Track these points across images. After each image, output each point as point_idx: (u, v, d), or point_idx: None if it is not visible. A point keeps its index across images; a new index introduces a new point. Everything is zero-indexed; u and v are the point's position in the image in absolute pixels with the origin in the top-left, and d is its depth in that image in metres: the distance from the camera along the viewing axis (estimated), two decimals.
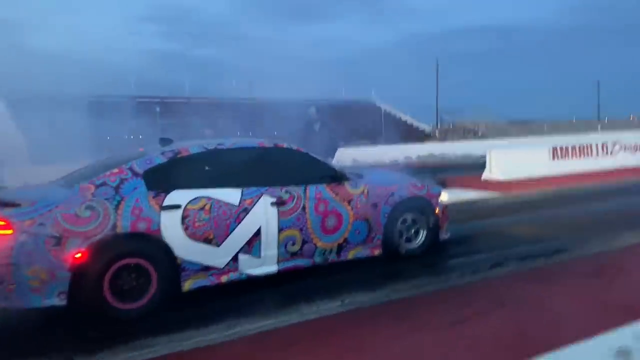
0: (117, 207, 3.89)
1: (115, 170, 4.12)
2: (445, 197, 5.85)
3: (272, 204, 4.55)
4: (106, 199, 3.89)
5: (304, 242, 4.77)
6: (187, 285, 4.20)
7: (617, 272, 4.59)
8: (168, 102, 34.20)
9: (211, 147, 4.63)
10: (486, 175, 11.86)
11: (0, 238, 3.58)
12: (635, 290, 4.13)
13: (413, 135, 39.73)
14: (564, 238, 6.00)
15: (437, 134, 44.04)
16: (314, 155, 5.14)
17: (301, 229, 4.73)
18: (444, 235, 5.73)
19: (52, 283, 3.66)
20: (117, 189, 3.99)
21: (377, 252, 5.24)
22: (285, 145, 5.02)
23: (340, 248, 5.02)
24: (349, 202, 5.01)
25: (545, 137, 26.95)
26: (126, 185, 4.04)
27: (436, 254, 5.59)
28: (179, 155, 4.40)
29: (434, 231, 5.57)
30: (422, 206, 5.52)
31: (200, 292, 4.28)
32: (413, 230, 5.49)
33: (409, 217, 5.44)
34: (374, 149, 22.75)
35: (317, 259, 4.90)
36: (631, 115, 52.01)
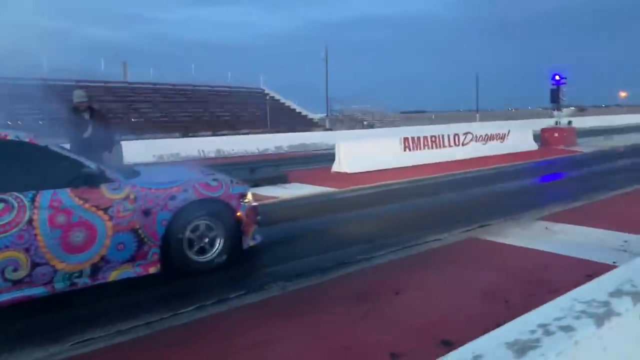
0: None
1: None
2: (251, 197, 4.97)
3: None
4: None
5: (34, 265, 3.59)
6: None
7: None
8: None
9: None
10: (335, 167, 11.32)
11: None
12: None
13: (301, 123, 39.29)
14: (389, 237, 5.43)
15: (326, 123, 44.09)
16: (58, 151, 3.94)
17: (27, 250, 3.55)
18: (251, 241, 4.87)
19: None
20: None
21: (152, 269, 4.21)
22: (10, 136, 3.77)
23: (95, 269, 3.91)
24: (106, 209, 3.91)
25: (422, 126, 27.71)
26: None
27: (243, 264, 4.72)
28: None
29: (234, 238, 4.68)
30: (217, 210, 4.59)
31: None
32: (207, 240, 4.54)
33: (200, 223, 4.49)
34: (237, 138, 21.67)
35: (60, 286, 3.76)
36: (512, 108, 56.18)
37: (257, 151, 19.23)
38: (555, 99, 17.79)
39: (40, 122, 26.68)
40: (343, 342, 2.98)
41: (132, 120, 32.10)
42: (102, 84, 34.76)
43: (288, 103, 43.81)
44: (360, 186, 9.46)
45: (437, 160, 12.65)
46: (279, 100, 43.38)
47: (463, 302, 3.55)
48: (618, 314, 1.57)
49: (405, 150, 12.56)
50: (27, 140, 3.81)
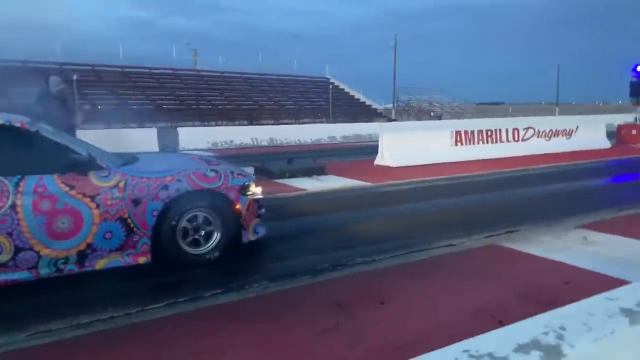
0: None
1: None
2: (255, 189, 4.79)
3: None
4: None
5: (17, 250, 3.64)
6: None
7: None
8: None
9: None
10: (378, 160, 10.87)
11: None
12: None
13: (364, 113, 38.80)
14: (399, 239, 5.06)
15: (392, 114, 43.24)
16: (48, 135, 3.96)
17: (10, 234, 3.59)
18: (252, 235, 4.71)
19: None
20: None
21: (142, 259, 4.16)
22: (1, 120, 3.82)
23: (82, 256, 3.91)
24: (93, 197, 3.88)
25: (483, 119, 26.27)
26: None
27: (242, 258, 4.58)
28: None
29: (232, 232, 4.54)
30: (215, 201, 4.45)
31: None
32: (203, 232, 4.43)
33: (195, 215, 4.38)
34: (293, 127, 21.63)
35: (44, 271, 3.79)
36: (599, 102, 52.14)
37: (310, 141, 19.12)
38: (636, 93, 16.13)
39: (112, 108, 28.27)
40: (297, 357, 2.72)
41: (200, 107, 33.18)
42: (172, 71, 36.16)
43: (353, 93, 43.40)
44: (397, 181, 9.02)
45: (492, 157, 11.85)
46: (343, 89, 43.09)
47: (449, 319, 3.16)
48: None
49: (456, 144, 11.87)
50: (17, 125, 3.85)
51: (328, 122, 31.03)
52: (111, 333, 3.08)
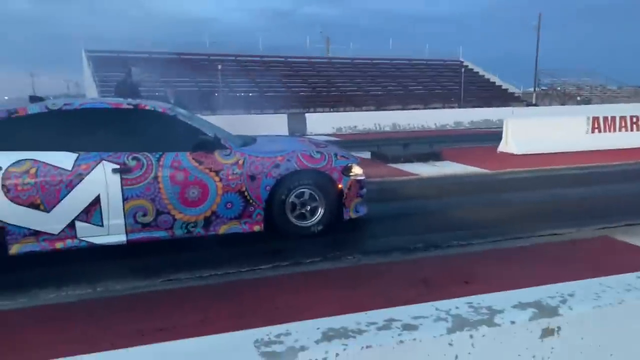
0: None
1: None
2: (358, 170, 5.13)
3: (114, 170, 4.25)
4: None
5: (158, 213, 4.43)
6: (15, 249, 4.10)
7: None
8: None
9: (55, 107, 4.39)
10: (502, 147, 10.40)
11: None
12: None
13: (500, 98, 36.72)
14: (501, 226, 5.03)
15: (533, 98, 40.29)
16: (184, 119, 4.70)
17: (153, 199, 4.39)
18: (353, 214, 5.07)
19: None
20: None
21: (257, 227, 4.76)
22: (148, 106, 4.64)
23: (208, 222, 4.62)
24: (217, 172, 4.55)
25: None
26: None
27: (342, 233, 4.98)
28: (13, 116, 4.23)
29: (334, 209, 4.94)
30: (319, 180, 4.89)
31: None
32: (309, 207, 4.90)
33: (302, 191, 4.86)
34: (418, 112, 21.30)
35: (178, 232, 4.56)
36: None
37: (434, 126, 18.83)
38: None
39: (250, 94, 30.56)
40: None
41: (330, 94, 34.30)
42: (306, 60, 37.75)
43: (488, 76, 41.20)
44: (518, 169, 8.66)
45: (635, 146, 10.68)
46: (477, 72, 41.12)
47: None
48: None
49: (593, 131, 10.90)
50: (160, 110, 4.65)
51: (458, 107, 30.03)
52: (224, 285, 3.69)
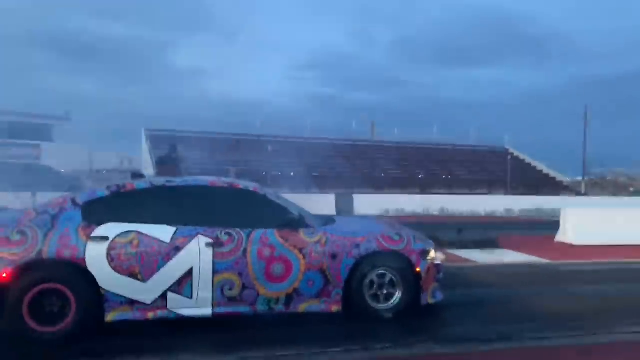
0: (46, 234, 4.18)
1: (60, 200, 4.46)
2: (435, 254, 5.17)
3: (208, 244, 4.48)
4: (39, 226, 4.21)
5: (244, 287, 4.58)
6: (110, 316, 4.30)
7: None
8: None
9: (159, 183, 4.76)
10: (560, 237, 10.19)
11: None
12: None
13: (548, 186, 36.19)
14: (573, 320, 4.87)
15: (582, 187, 39.53)
16: (273, 199, 4.96)
17: (240, 274, 4.56)
18: (430, 299, 5.05)
19: None
20: (54, 217, 4.30)
21: (335, 308, 4.81)
22: (241, 185, 4.95)
23: (289, 299, 4.71)
24: (301, 250, 4.71)
25: None
26: (64, 214, 4.33)
27: (414, 319, 4.93)
28: (122, 190, 4.61)
29: (412, 292, 4.95)
30: (398, 263, 4.95)
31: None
32: (385, 290, 4.93)
33: (381, 273, 4.92)
34: (466, 198, 21.23)
35: (260, 307, 4.66)
36: None
37: (483, 213, 18.69)
38: None
39: (292, 174, 31.43)
40: None
41: (375, 176, 34.79)
42: (351, 142, 38.82)
43: (534, 164, 40.96)
44: (578, 261, 8.44)
45: None
46: (523, 160, 40.97)
47: None
48: None
49: None
50: (251, 189, 4.94)
51: (505, 193, 29.73)
52: None
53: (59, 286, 4.16)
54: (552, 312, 5.29)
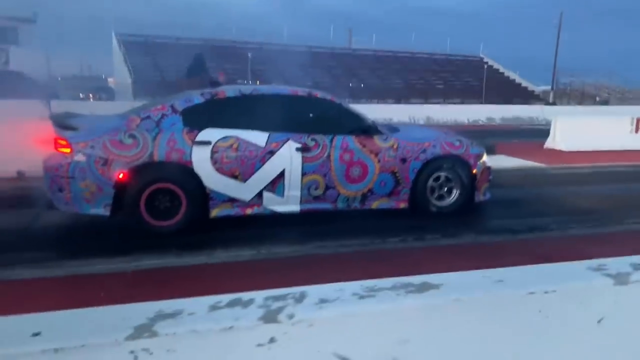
0: (154, 138, 4.46)
1: (159, 107, 4.68)
2: (485, 158, 5.76)
3: (297, 149, 4.87)
4: (147, 130, 4.47)
5: (327, 187, 5.06)
6: (215, 212, 4.74)
7: None
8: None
9: (247, 91, 5.00)
10: (549, 144, 11.12)
11: (61, 155, 4.32)
12: None
13: (520, 95, 37.29)
14: (589, 214, 5.69)
15: (550, 97, 40.86)
16: (348, 107, 5.32)
17: (325, 175, 5.01)
18: (481, 197, 5.70)
19: (99, 196, 4.37)
20: (158, 122, 4.55)
21: (402, 205, 5.39)
22: (319, 95, 5.25)
23: (364, 197, 5.24)
24: (376, 154, 5.17)
25: None
26: (166, 120, 4.58)
27: (466, 215, 5.58)
28: (215, 97, 4.84)
29: (468, 191, 5.57)
30: (457, 165, 5.51)
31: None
32: (446, 189, 5.53)
33: (442, 174, 5.48)
34: (447, 107, 21.86)
35: (340, 205, 5.19)
36: None
37: (467, 121, 19.44)
38: None
39: (275, 83, 30.99)
40: None
41: (350, 85, 34.77)
42: (329, 51, 38.20)
43: (508, 73, 41.79)
44: (574, 164, 9.38)
45: None
46: (497, 69, 41.68)
47: None
48: None
49: (637, 131, 11.60)
50: (329, 98, 5.26)
51: (483, 103, 30.59)
52: (357, 254, 4.33)
53: (171, 186, 4.53)
54: (566, 208, 6.11)
